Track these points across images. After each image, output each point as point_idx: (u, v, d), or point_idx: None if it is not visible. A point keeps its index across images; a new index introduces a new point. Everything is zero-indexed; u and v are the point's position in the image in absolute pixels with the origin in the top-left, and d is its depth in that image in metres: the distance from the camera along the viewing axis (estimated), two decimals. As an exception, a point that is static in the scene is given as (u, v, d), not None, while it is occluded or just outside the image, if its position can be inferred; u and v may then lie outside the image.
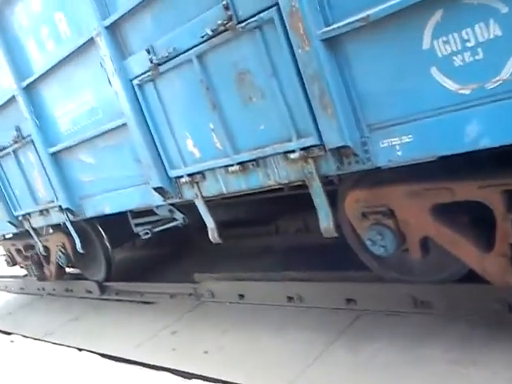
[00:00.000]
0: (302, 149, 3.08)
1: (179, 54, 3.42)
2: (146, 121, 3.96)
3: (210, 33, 3.11)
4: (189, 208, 4.58)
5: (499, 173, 2.79)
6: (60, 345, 5.61)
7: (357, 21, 2.47)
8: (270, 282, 5.05)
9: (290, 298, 4.79)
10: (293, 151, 3.13)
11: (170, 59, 3.49)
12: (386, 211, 3.35)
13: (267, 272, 5.33)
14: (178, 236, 6.75)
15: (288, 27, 2.72)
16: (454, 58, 2.29)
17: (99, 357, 4.96)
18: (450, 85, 2.36)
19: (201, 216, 4.19)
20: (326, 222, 3.29)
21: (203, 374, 3.99)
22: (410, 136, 2.62)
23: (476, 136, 2.36)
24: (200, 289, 5.53)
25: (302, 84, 2.83)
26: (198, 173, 3.82)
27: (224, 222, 4.78)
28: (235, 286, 5.30)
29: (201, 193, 3.91)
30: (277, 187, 3.96)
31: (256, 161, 3.40)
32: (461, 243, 3.16)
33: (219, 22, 3.03)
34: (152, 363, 4.47)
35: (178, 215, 4.53)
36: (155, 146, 4.00)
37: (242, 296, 5.22)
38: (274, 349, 4.09)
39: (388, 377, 3.24)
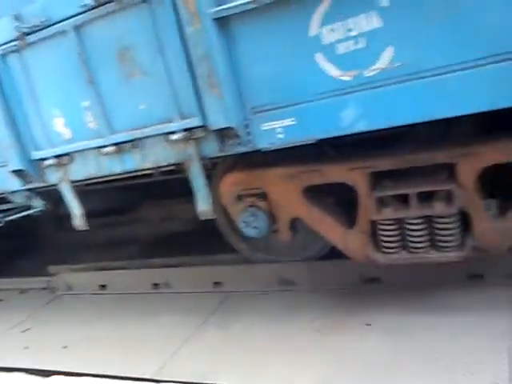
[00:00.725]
0: (185, 130, 3.05)
1: (53, 24, 3.14)
2: (6, 96, 3.54)
3: (92, 3, 2.91)
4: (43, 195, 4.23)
5: (365, 157, 3.11)
6: None
7: (248, 3, 2.54)
8: (133, 271, 4.94)
9: (155, 285, 4.73)
10: (174, 132, 3.09)
11: (42, 29, 3.18)
12: (261, 193, 3.50)
13: (130, 260, 5.18)
14: (27, 227, 6.17)
15: (178, 3, 2.67)
16: (338, 45, 2.49)
17: None
18: (332, 71, 2.56)
19: (56, 204, 3.93)
20: (203, 204, 3.31)
21: (63, 370, 3.73)
22: (292, 119, 2.78)
23: (353, 120, 2.61)
24: (55, 282, 5.14)
25: (189, 63, 2.80)
26: (65, 154, 3.54)
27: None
28: (96, 277, 5.06)
29: (68, 176, 3.63)
30: (140, 174, 3.88)
31: (134, 142, 3.27)
32: (327, 222, 3.45)
33: (103, -9, 2.86)
34: (1, 365, 4.04)
35: (38, 202, 4.14)
36: (16, 124, 3.60)
37: (103, 286, 5.00)
38: (142, 335, 4.00)
39: (259, 347, 3.41)
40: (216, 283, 4.44)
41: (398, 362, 2.87)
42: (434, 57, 2.32)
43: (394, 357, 2.94)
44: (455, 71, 2.31)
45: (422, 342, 2.99)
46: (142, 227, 6.13)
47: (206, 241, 4.96)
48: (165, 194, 5.65)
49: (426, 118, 2.47)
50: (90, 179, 3.69)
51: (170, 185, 4.73)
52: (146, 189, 5.15)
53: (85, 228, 3.82)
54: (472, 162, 2.80)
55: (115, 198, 5.77)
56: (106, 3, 2.92)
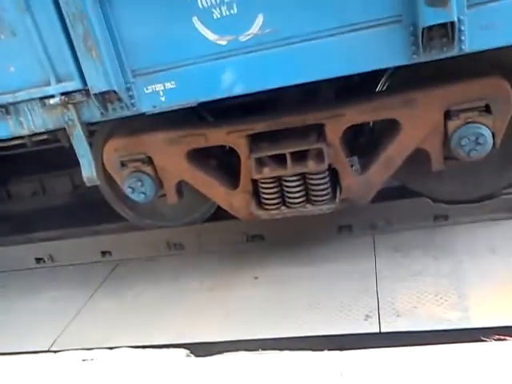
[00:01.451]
0: (63, 94, 2.97)
1: None
2: None
3: None
4: None
5: (243, 120, 3.28)
6: None
7: (123, -39, 2.54)
8: (12, 247, 4.71)
9: (39, 260, 4.58)
10: (52, 96, 2.99)
11: None
12: (145, 159, 3.53)
13: (6, 237, 4.93)
14: None
15: (47, -41, 2.58)
16: (214, 10, 2.58)
17: None
18: (209, 35, 2.65)
19: None
20: (88, 170, 3.27)
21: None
22: (173, 82, 2.84)
23: (231, 83, 2.74)
24: None
25: (63, 23, 2.71)
26: None
27: None
28: (-32, 256, 4.74)
29: None
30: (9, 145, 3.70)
31: (5, 107, 3.11)
32: (211, 184, 3.59)
33: None
34: None
35: None
36: None
37: (-23, 266, 4.71)
38: (30, 313, 3.91)
39: (153, 310, 3.53)
40: (104, 253, 4.43)
41: (284, 308, 3.18)
42: (300, 24, 2.53)
43: (280, 304, 3.23)
44: (317, 38, 2.54)
45: (304, 290, 3.32)
46: (13, 203, 5.78)
47: (86, 213, 4.89)
48: (36, 168, 5.39)
49: (295, 82, 2.69)
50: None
51: (42, 156, 4.54)
52: (15, 162, 4.87)
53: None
54: (336, 123, 3.10)
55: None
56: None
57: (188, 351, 2.88)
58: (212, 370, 2.65)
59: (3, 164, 4.88)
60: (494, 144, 3.01)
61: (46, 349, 3.33)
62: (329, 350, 2.52)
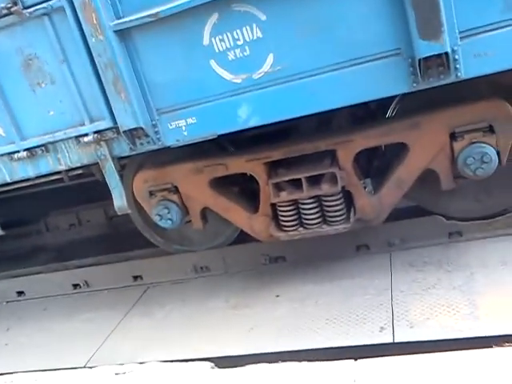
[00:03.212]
0: (96, 132, 3.29)
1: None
2: None
3: (-10, 15, 3.06)
4: None
5: (261, 149, 3.53)
6: None
7: (146, 16, 2.85)
8: (52, 274, 5.03)
9: (75, 286, 4.87)
10: (86, 135, 3.31)
11: None
12: (171, 188, 3.81)
13: (47, 265, 5.26)
14: None
15: (81, 17, 2.90)
16: (229, 53, 2.87)
17: None
18: (225, 75, 2.94)
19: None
20: (120, 201, 3.56)
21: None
22: (194, 118, 3.13)
23: (246, 117, 3.01)
24: (-31, 293, 5.09)
25: (96, 71, 3.04)
26: (-26, 161, 3.63)
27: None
28: (12, 284, 5.09)
29: (-22, 183, 3.72)
30: (45, 181, 4.00)
31: (45, 146, 3.44)
32: (233, 209, 3.83)
33: (2, 5, 3.00)
34: None
35: None
36: None
37: (21, 293, 5.04)
38: (67, 334, 4.18)
39: (181, 327, 3.77)
40: (135, 277, 4.68)
41: (302, 323, 3.36)
42: (307, 61, 2.79)
43: (298, 319, 3.41)
44: (324, 73, 2.79)
45: (321, 306, 3.50)
46: (51, 235, 6.16)
47: (119, 241, 5.19)
48: (72, 202, 5.76)
49: (306, 113, 2.94)
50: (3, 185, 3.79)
51: (78, 190, 4.89)
52: (51, 198, 5.23)
53: (1, 233, 3.90)
54: (347, 148, 3.32)
55: (21, 209, 5.74)
56: (5, 16, 3.06)
57: (213, 364, 3.08)
58: (235, 381, 2.84)
59: (42, 199, 5.25)
60: (500, 162, 3.16)
61: (83, 365, 3.59)
62: (343, 359, 2.69)
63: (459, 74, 2.70)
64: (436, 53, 2.61)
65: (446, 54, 2.62)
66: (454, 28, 2.58)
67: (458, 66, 2.68)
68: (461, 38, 2.63)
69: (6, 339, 4.34)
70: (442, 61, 2.67)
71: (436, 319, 2.94)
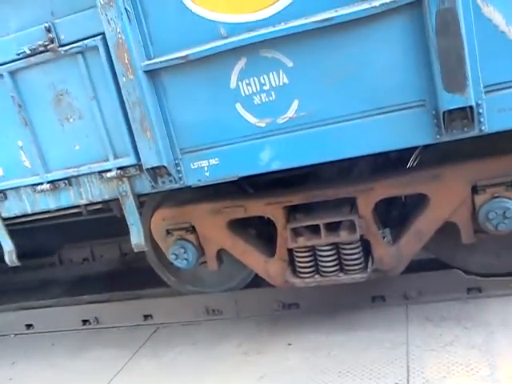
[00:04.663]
0: (119, 168, 3.33)
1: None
2: None
3: (28, 51, 3.17)
4: None
5: (281, 193, 3.54)
6: None
7: (176, 58, 2.94)
8: (61, 308, 4.99)
9: (85, 322, 4.82)
10: (109, 170, 3.36)
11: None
12: (189, 227, 3.82)
13: (58, 298, 5.23)
14: None
15: (113, 56, 3.00)
16: (254, 97, 2.93)
17: None
18: (250, 118, 2.99)
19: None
20: (137, 237, 3.57)
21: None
22: (217, 159, 3.16)
23: (269, 160, 3.03)
24: (-23, 324, 5.06)
25: (124, 108, 3.12)
26: (-1, 191, 3.69)
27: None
28: (21, 316, 5.06)
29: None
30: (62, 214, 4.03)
31: (68, 179, 3.49)
32: (250, 252, 3.81)
33: (39, 42, 3.13)
34: None
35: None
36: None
37: (30, 326, 4.99)
38: (74, 370, 4.09)
39: (190, 372, 3.66)
40: (146, 316, 4.62)
41: (316, 374, 3.24)
42: (331, 108, 2.82)
43: (310, 370, 3.30)
44: (348, 120, 2.82)
45: (335, 357, 3.39)
46: (64, 268, 6.16)
47: (131, 278, 5.16)
48: (86, 236, 5.79)
49: (327, 159, 2.95)
50: (23, 216, 3.83)
51: (92, 226, 4.92)
52: (66, 231, 5.26)
53: (17, 264, 3.91)
54: (367, 197, 3.31)
55: (37, 241, 5.77)
56: (41, 52, 3.18)
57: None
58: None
59: (58, 232, 5.28)
60: (522, 217, 3.12)
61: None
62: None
63: (483, 128, 2.71)
64: (460, 106, 2.62)
65: (471, 107, 2.64)
66: (478, 82, 2.60)
67: (482, 119, 2.69)
68: (485, 92, 2.65)
69: (12, 373, 4.27)
70: (466, 114, 2.68)
71: (453, 378, 2.83)
